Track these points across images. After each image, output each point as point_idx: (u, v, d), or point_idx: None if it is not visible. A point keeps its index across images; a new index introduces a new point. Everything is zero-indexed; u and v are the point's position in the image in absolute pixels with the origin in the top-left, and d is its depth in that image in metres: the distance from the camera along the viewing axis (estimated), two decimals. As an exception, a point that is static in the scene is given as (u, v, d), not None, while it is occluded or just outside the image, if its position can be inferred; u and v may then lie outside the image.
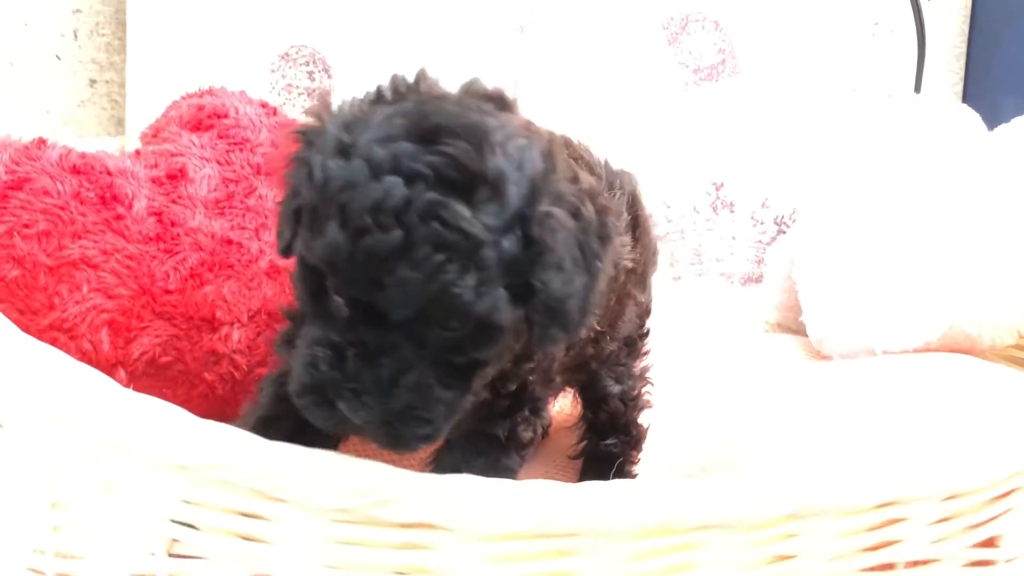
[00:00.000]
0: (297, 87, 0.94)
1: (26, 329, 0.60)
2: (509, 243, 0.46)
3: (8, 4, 0.97)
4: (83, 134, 0.99)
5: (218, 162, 0.74)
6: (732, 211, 1.04)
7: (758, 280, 1.04)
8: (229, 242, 0.69)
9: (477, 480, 0.47)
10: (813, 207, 0.95)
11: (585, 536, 0.48)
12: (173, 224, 0.67)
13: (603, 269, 0.49)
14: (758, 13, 1.04)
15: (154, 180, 0.70)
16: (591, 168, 0.65)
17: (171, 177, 0.71)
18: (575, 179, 0.50)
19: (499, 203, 0.46)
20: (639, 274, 0.68)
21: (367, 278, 0.45)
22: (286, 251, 0.50)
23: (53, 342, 0.60)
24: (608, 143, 0.97)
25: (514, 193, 0.46)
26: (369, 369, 0.46)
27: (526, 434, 0.56)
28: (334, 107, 0.50)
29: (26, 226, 0.61)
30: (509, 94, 0.51)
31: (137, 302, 0.63)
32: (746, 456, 0.61)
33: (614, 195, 0.64)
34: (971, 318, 0.76)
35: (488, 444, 0.55)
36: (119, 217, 0.65)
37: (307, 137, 0.49)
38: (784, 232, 1.03)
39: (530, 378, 0.55)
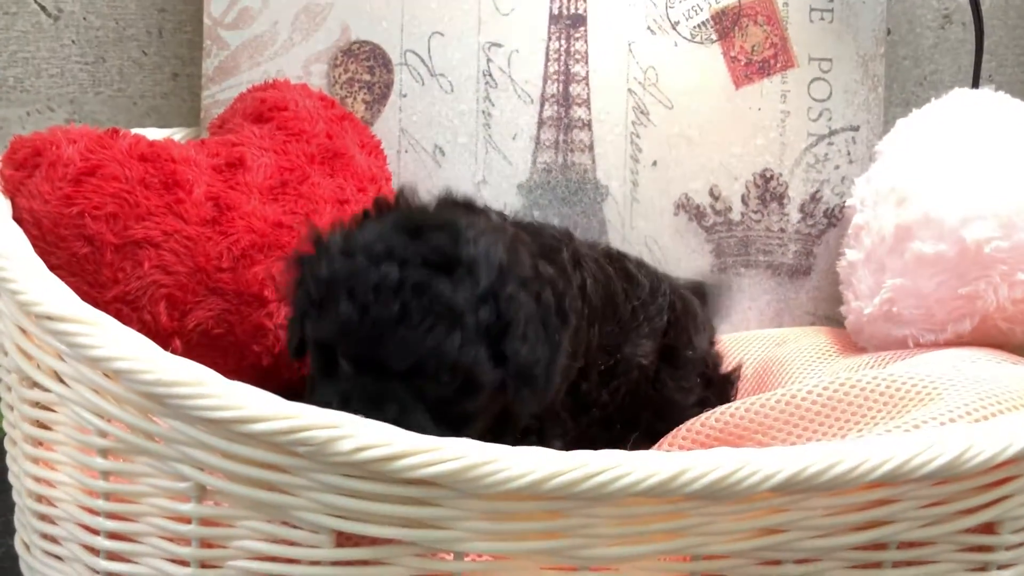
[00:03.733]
0: (359, 81, 1.00)
1: (94, 301, 0.67)
2: (484, 313, 0.57)
3: (100, 5, 1.06)
4: (166, 124, 1.06)
5: (275, 152, 0.80)
6: (781, 204, 1.05)
7: (806, 273, 1.05)
8: (280, 225, 0.75)
9: (476, 443, 0.52)
10: (859, 196, 0.95)
11: (575, 500, 0.52)
12: (229, 208, 0.73)
13: (562, 343, 0.60)
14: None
15: (214, 168, 0.76)
16: (628, 275, 0.77)
17: (230, 165, 0.77)
18: (535, 268, 0.61)
19: (473, 281, 0.57)
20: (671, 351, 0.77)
21: (372, 340, 0.57)
22: (297, 353, 0.62)
23: (117, 313, 0.67)
24: (657, 134, 1.01)
25: (485, 274, 0.58)
26: (375, 412, 0.53)
27: None
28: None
29: (96, 208, 0.68)
30: (477, 201, 0.68)
31: (193, 279, 0.69)
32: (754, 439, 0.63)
33: (655, 299, 0.75)
34: (1002, 312, 0.76)
35: None
36: (179, 201, 0.71)
37: (304, 262, 0.61)
38: (835, 225, 1.04)
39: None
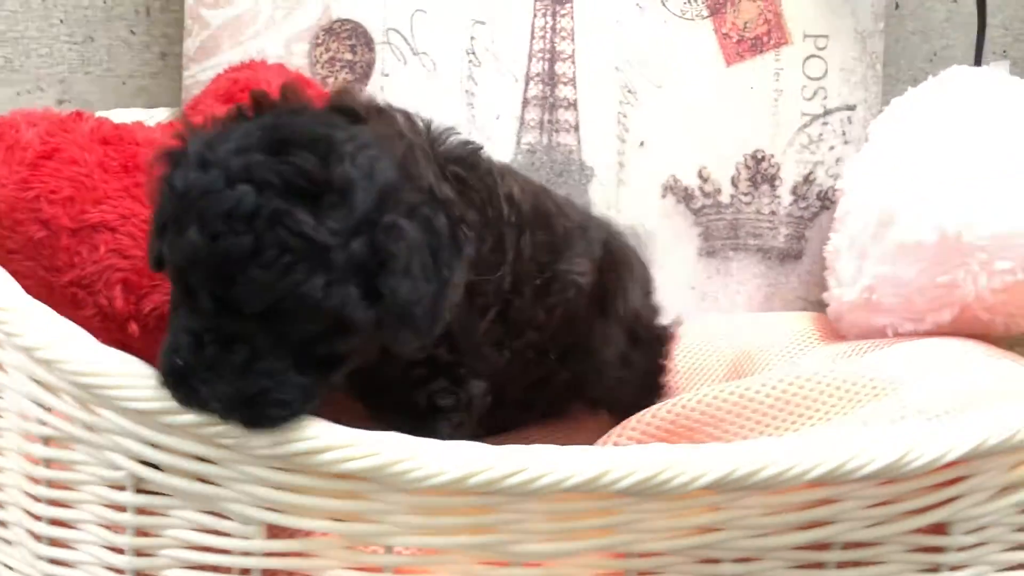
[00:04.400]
0: (340, 60, 0.99)
1: (50, 285, 0.67)
2: (357, 246, 0.50)
3: (88, -17, 1.06)
4: (154, 103, 1.06)
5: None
6: (773, 186, 1.02)
7: (798, 257, 1.02)
8: (243, 209, 0.74)
9: (396, 438, 0.51)
10: (847, 179, 0.93)
11: (501, 495, 0.51)
12: (189, 192, 0.72)
13: (452, 278, 0.53)
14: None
15: (179, 151, 0.76)
16: (560, 203, 0.72)
17: (196, 148, 0.76)
18: (431, 190, 0.54)
19: (345, 209, 0.50)
20: (601, 299, 0.73)
21: (222, 275, 0.50)
22: (157, 264, 0.56)
23: (73, 297, 0.68)
24: (645, 114, 0.99)
25: (361, 199, 0.51)
26: (225, 355, 0.51)
27: (445, 401, 0.59)
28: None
29: (53, 192, 0.67)
30: (374, 103, 0.58)
31: (148, 263, 0.69)
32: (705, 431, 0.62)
33: (587, 230, 0.71)
34: (981, 303, 0.74)
35: (409, 414, 0.59)
36: (139, 184, 0.70)
37: (171, 158, 0.54)
38: (828, 208, 1.01)
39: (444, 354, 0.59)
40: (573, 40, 1.00)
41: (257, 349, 0.51)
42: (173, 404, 0.51)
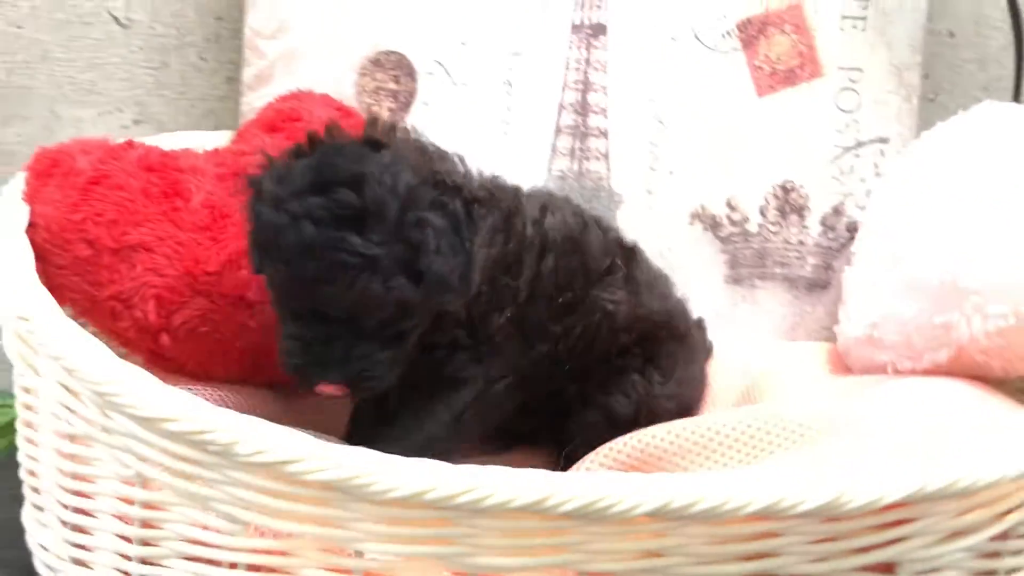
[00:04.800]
0: (384, 89, 1.05)
1: (92, 298, 0.76)
2: (397, 250, 0.64)
3: (164, 14, 1.15)
4: (221, 125, 1.15)
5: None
6: (801, 216, 1.04)
7: (824, 287, 1.03)
8: (271, 232, 0.81)
9: (369, 453, 0.56)
10: (868, 212, 0.93)
11: (461, 510, 0.55)
12: (224, 216, 0.79)
13: (474, 247, 0.66)
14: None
15: (219, 176, 0.83)
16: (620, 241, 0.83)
17: (234, 174, 0.83)
18: (442, 184, 0.67)
19: (382, 223, 0.64)
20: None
21: (304, 294, 0.65)
22: (259, 270, 0.69)
23: (112, 309, 0.76)
24: (675, 144, 1.01)
25: (392, 212, 0.64)
26: (327, 352, 0.66)
27: (465, 373, 0.72)
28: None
29: (99, 215, 0.75)
30: (393, 126, 0.73)
31: (181, 281, 0.76)
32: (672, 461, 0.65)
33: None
34: (975, 345, 0.74)
35: (436, 388, 0.73)
36: (176, 209, 0.78)
37: (255, 185, 0.69)
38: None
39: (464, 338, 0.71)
40: (607, 71, 1.04)
41: (348, 342, 0.65)
42: (172, 412, 0.57)
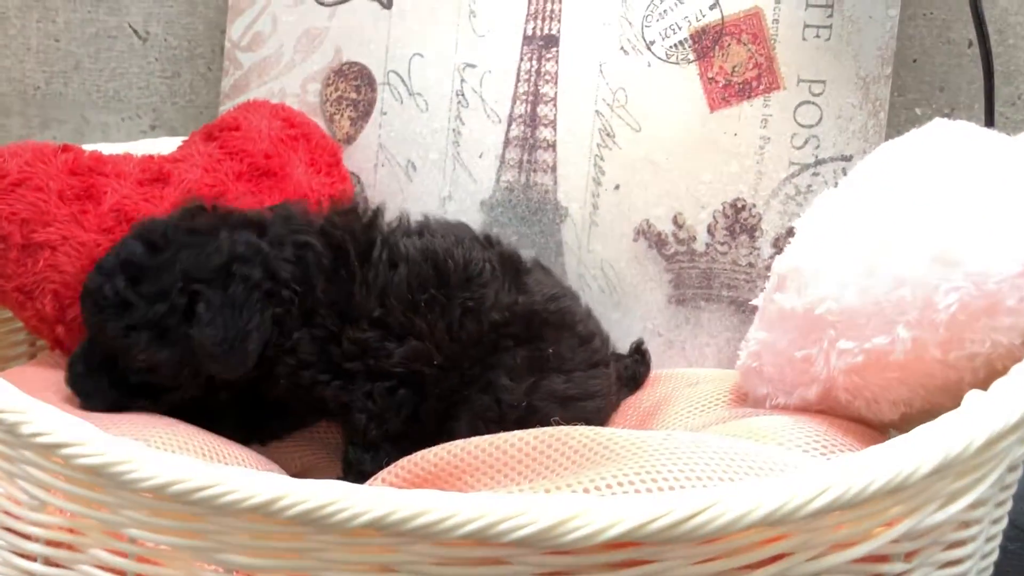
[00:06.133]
0: (346, 99, 1.08)
1: (2, 288, 0.83)
2: (159, 308, 0.74)
3: (177, 28, 1.24)
4: (222, 132, 1.22)
5: (205, 169, 0.92)
6: (752, 236, 0.99)
7: (774, 310, 0.97)
8: (174, 235, 0.86)
9: (135, 443, 0.59)
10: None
11: (202, 505, 0.57)
12: (129, 220, 0.85)
13: (253, 323, 0.75)
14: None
15: (140, 182, 0.89)
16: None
17: (155, 180, 0.89)
18: (227, 269, 0.75)
19: (155, 283, 0.75)
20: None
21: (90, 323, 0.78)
22: None
23: (17, 300, 0.83)
24: (622, 157, 0.99)
25: (170, 276, 0.75)
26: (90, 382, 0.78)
27: (347, 398, 0.79)
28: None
29: (13, 214, 0.83)
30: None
31: (76, 278, 0.82)
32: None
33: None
34: (843, 383, 0.69)
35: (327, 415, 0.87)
36: (84, 212, 0.85)
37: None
38: (814, 262, 0.96)
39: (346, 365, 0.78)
40: (556, 83, 1.03)
41: (101, 390, 0.77)
42: (57, 439, 0.61)
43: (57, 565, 0.64)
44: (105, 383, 0.77)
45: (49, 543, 0.65)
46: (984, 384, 0.57)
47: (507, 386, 0.78)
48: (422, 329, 0.79)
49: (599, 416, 0.84)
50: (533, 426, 0.77)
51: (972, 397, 0.54)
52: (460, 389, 0.80)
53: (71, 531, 0.64)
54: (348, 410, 0.79)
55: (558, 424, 0.69)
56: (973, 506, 0.57)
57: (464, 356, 0.80)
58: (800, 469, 0.58)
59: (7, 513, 0.66)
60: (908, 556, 0.57)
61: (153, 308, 0.74)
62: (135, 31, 1.25)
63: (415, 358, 0.78)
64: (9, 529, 0.66)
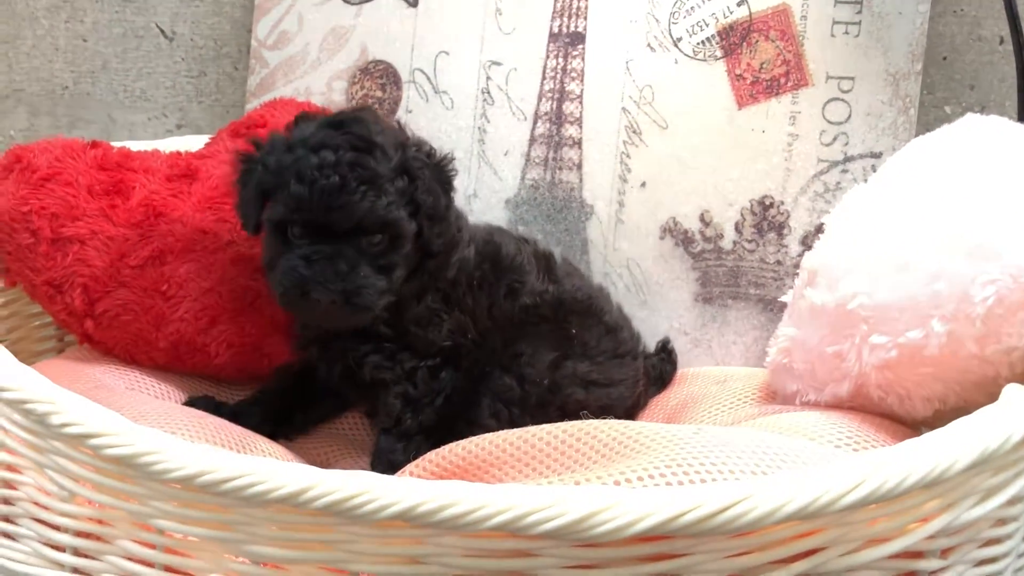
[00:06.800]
0: (372, 97, 1.08)
1: (33, 283, 0.84)
2: (400, 182, 0.76)
3: (203, 27, 1.24)
4: (248, 131, 1.22)
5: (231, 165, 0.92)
6: (780, 234, 0.98)
7: (802, 309, 0.96)
8: (204, 232, 0.86)
9: (162, 434, 0.59)
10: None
11: (230, 496, 0.57)
12: (159, 215, 0.86)
13: (452, 194, 0.80)
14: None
15: (168, 177, 0.89)
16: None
17: (183, 176, 0.90)
18: (420, 147, 0.80)
19: (388, 159, 0.75)
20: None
21: (321, 208, 0.73)
22: (256, 229, 0.78)
23: (47, 294, 0.84)
24: (649, 155, 0.99)
25: (394, 155, 0.76)
26: (330, 265, 0.73)
27: (383, 375, 0.80)
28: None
29: (43, 208, 0.84)
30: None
31: (106, 272, 0.83)
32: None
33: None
34: (875, 378, 0.68)
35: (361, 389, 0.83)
36: (113, 207, 0.85)
37: (247, 157, 0.79)
38: (843, 260, 0.95)
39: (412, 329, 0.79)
40: (582, 81, 1.02)
41: (351, 259, 0.73)
42: (87, 429, 0.61)
43: (86, 556, 0.64)
44: (372, 275, 0.75)
45: (78, 534, 0.65)
46: (1021, 379, 0.56)
47: (530, 358, 0.79)
48: (466, 304, 0.81)
49: (622, 404, 0.84)
50: (555, 408, 0.78)
51: (1010, 391, 0.53)
52: (485, 363, 0.81)
53: (100, 522, 0.64)
54: (385, 389, 0.80)
55: (587, 418, 0.68)
56: (1011, 502, 0.56)
57: (495, 333, 0.82)
58: (833, 463, 0.57)
59: (37, 504, 0.67)
60: (944, 552, 0.56)
61: (396, 183, 0.75)
62: (162, 31, 1.26)
63: (458, 330, 0.81)
64: (39, 520, 0.67)
